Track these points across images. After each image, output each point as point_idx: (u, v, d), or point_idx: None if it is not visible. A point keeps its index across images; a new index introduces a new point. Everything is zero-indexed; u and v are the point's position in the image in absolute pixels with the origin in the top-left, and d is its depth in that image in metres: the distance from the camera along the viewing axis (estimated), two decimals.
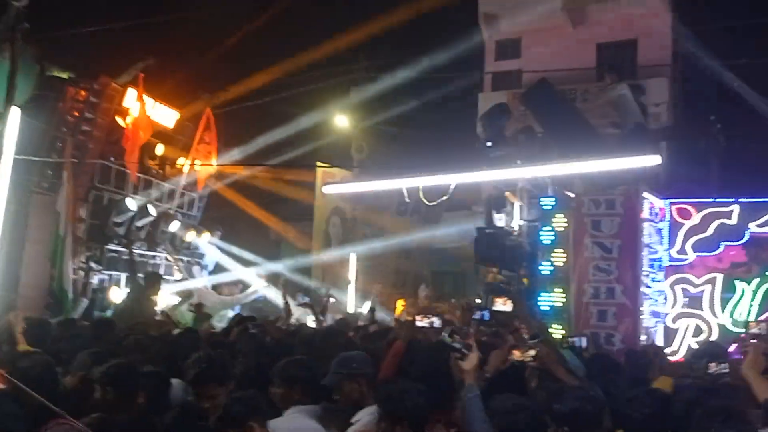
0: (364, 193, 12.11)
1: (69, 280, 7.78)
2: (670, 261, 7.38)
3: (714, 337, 6.91)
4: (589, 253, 6.65)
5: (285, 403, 2.92)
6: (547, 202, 7.13)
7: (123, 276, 8.92)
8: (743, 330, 6.52)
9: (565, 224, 6.93)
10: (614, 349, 6.08)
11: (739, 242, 7.14)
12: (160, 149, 9.71)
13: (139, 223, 9.11)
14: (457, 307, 8.77)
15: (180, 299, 8.11)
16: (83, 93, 8.73)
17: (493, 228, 7.48)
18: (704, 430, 2.38)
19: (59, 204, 7.84)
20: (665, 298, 7.34)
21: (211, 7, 11.58)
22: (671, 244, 7.38)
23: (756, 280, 7.04)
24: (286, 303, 6.93)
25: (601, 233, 6.65)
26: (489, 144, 7.56)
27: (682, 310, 7.29)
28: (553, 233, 6.99)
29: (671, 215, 7.44)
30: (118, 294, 8.37)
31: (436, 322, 4.22)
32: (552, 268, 6.95)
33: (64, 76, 8.82)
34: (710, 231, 7.24)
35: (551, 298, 6.88)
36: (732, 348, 5.64)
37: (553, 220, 7.02)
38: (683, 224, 7.37)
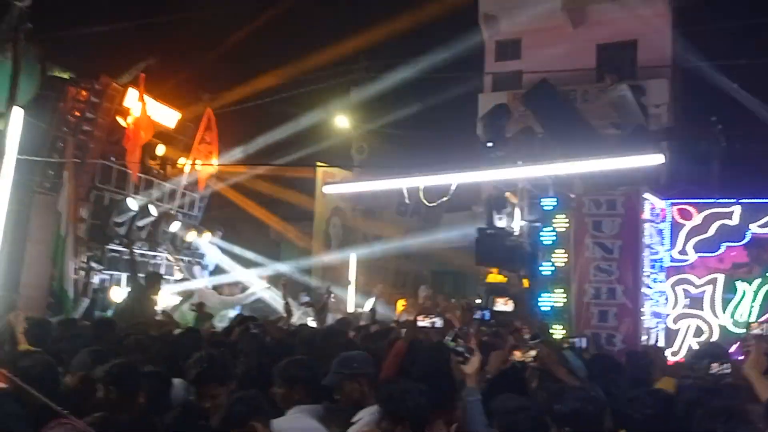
0: (365, 194, 12.12)
1: (70, 280, 7.79)
2: (671, 262, 7.37)
3: (715, 337, 6.91)
4: (590, 253, 6.65)
5: (286, 403, 2.92)
6: (548, 203, 7.12)
7: (124, 276, 8.93)
8: (744, 331, 6.52)
9: (566, 225, 6.92)
10: (615, 350, 6.08)
11: (740, 243, 7.13)
12: (161, 149, 9.72)
13: (140, 223, 9.12)
14: (456, 307, 8.76)
15: (181, 299, 8.12)
16: (84, 93, 8.73)
17: (494, 229, 7.48)
18: (707, 431, 2.38)
19: (60, 204, 7.85)
20: (666, 299, 7.34)
21: (213, 7, 11.59)
22: (672, 244, 7.38)
23: (757, 281, 7.03)
24: (287, 303, 6.93)
25: (602, 234, 6.65)
26: (489, 144, 7.56)
27: (683, 311, 7.29)
28: (554, 234, 6.99)
29: (672, 216, 7.43)
30: (118, 294, 8.37)
31: (438, 322, 4.23)
32: (553, 268, 6.95)
33: (65, 76, 8.82)
34: (711, 232, 7.23)
35: (552, 299, 6.88)
36: (733, 348, 5.64)
37: (554, 220, 7.02)
38: (684, 225, 7.37)
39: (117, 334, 4.70)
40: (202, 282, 9.75)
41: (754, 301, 7.00)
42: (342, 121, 14.59)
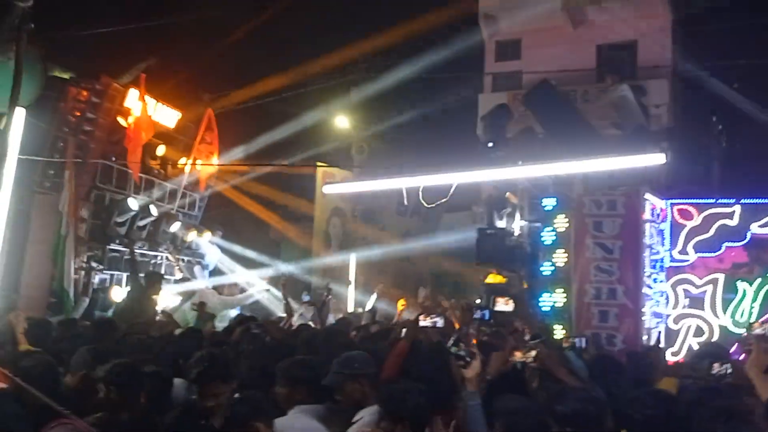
0: (364, 194, 12.12)
1: (70, 280, 7.80)
2: (671, 262, 7.37)
3: (715, 338, 6.91)
4: (590, 253, 6.65)
5: (288, 402, 2.92)
6: (549, 203, 7.12)
7: (124, 276, 8.93)
8: (744, 331, 6.52)
9: (567, 225, 6.92)
10: (615, 350, 6.08)
11: (741, 243, 7.13)
12: (161, 150, 9.73)
13: (140, 223, 9.13)
14: (456, 307, 8.76)
15: (181, 299, 8.12)
16: (85, 93, 8.75)
17: (495, 229, 7.49)
18: (708, 431, 2.38)
19: (61, 204, 7.86)
20: (667, 299, 7.34)
21: (213, 8, 11.59)
22: (673, 244, 7.38)
23: (757, 281, 7.03)
24: (288, 303, 6.93)
25: (602, 234, 6.65)
26: (490, 144, 7.56)
27: (683, 311, 7.29)
28: (554, 234, 6.99)
29: (672, 216, 7.44)
30: (119, 293, 8.38)
31: (439, 322, 4.23)
32: (553, 268, 6.95)
33: (66, 76, 8.83)
34: (712, 232, 7.23)
35: (552, 299, 6.88)
36: (733, 348, 5.64)
37: (555, 220, 7.02)
38: (685, 225, 7.37)
39: (117, 334, 4.70)
40: (202, 283, 9.76)
41: (754, 301, 7.00)
42: (342, 121, 14.60)
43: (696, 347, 6.65)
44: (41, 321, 4.99)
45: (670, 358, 6.54)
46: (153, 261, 9.86)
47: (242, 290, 10.08)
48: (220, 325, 7.30)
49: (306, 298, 9.42)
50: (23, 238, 7.53)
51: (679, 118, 14.46)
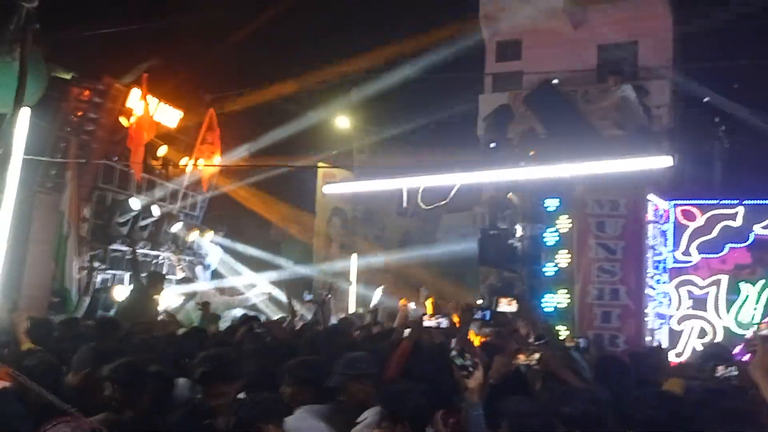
0: (365, 194, 12.11)
1: (72, 280, 7.80)
2: (674, 263, 7.36)
3: (719, 339, 6.89)
4: (593, 254, 6.64)
5: (294, 402, 2.92)
6: (551, 204, 7.11)
7: (126, 275, 8.94)
8: (748, 332, 6.50)
9: (569, 225, 6.91)
10: (618, 351, 6.06)
11: (744, 244, 7.12)
12: (162, 150, 9.73)
13: (142, 223, 9.13)
14: (456, 307, 8.74)
15: (183, 299, 8.12)
16: (87, 93, 8.75)
17: (497, 229, 7.47)
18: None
19: (63, 204, 7.86)
20: (670, 300, 7.33)
21: (215, 8, 11.60)
22: (675, 245, 7.37)
23: (761, 282, 7.03)
24: (290, 303, 6.92)
25: (605, 234, 6.64)
26: (492, 145, 7.55)
27: (686, 312, 7.28)
28: (557, 234, 6.98)
29: (675, 217, 7.43)
30: (121, 293, 8.38)
31: (444, 322, 4.22)
32: (556, 269, 6.94)
33: (68, 76, 8.83)
34: (715, 233, 7.22)
35: (555, 300, 6.87)
36: (737, 350, 5.62)
37: (557, 221, 7.01)
38: (688, 226, 7.36)
39: (120, 334, 4.69)
40: (205, 285, 9.77)
41: (757, 302, 6.99)
42: (342, 121, 14.59)
43: (699, 348, 6.64)
44: (43, 320, 4.99)
45: (673, 359, 6.52)
46: (155, 261, 9.86)
47: (240, 293, 10.10)
48: (222, 325, 7.29)
49: (307, 297, 9.41)
50: (25, 237, 7.52)
51: (681, 118, 14.45)
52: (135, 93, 8.95)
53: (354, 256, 12.41)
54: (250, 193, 12.38)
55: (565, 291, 6.83)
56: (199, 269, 10.50)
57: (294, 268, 11.77)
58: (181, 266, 9.87)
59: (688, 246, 7.33)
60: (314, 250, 13.43)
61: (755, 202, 7.20)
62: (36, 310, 6.52)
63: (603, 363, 3.95)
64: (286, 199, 13.46)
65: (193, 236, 10.22)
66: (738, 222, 7.15)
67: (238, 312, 8.54)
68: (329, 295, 8.21)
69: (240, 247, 11.30)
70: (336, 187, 11.72)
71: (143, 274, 8.06)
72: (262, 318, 8.12)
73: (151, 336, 4.61)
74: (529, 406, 2.54)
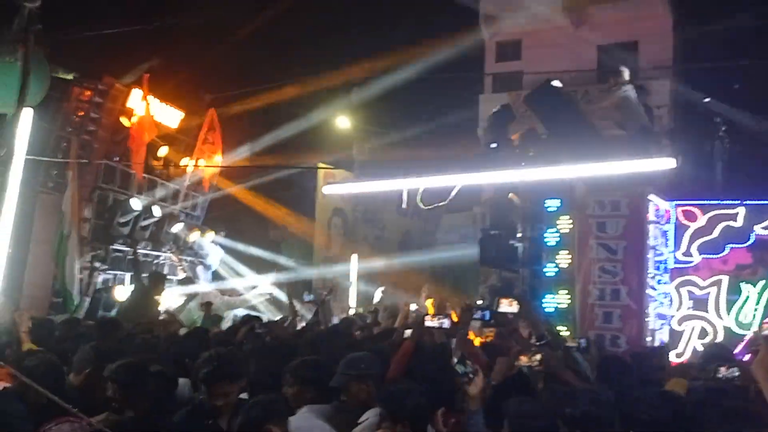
0: (365, 194, 12.10)
1: (73, 280, 7.80)
2: (675, 263, 7.36)
3: (719, 339, 6.89)
4: (594, 254, 6.65)
5: (297, 402, 2.92)
6: (552, 204, 7.11)
7: (127, 275, 8.94)
8: (749, 332, 6.50)
9: (570, 226, 6.91)
10: (619, 351, 6.07)
11: (745, 244, 7.12)
12: (163, 150, 9.73)
13: (143, 223, 9.14)
14: (457, 307, 8.74)
15: (185, 299, 8.13)
16: (88, 93, 8.75)
17: (498, 230, 7.46)
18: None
19: (64, 204, 7.86)
20: (671, 300, 7.33)
21: (216, 8, 11.60)
22: (676, 246, 7.37)
23: (761, 283, 7.02)
24: (291, 304, 6.92)
25: (606, 235, 6.64)
26: (493, 145, 7.55)
27: (687, 312, 7.27)
28: (557, 235, 6.98)
29: (677, 217, 7.43)
30: (122, 293, 8.39)
31: (446, 322, 4.22)
32: (557, 269, 6.94)
33: (69, 76, 8.84)
34: (716, 233, 7.22)
35: (556, 300, 6.87)
36: (738, 349, 5.62)
37: (558, 221, 7.01)
38: (689, 226, 7.36)
39: (121, 334, 4.70)
40: (206, 286, 9.78)
41: (758, 302, 6.98)
42: (343, 122, 14.60)
43: (700, 349, 6.63)
44: (44, 320, 5.00)
45: (674, 359, 6.52)
46: (156, 261, 9.87)
47: (240, 294, 10.10)
48: (223, 325, 7.30)
49: (308, 297, 9.41)
50: (26, 238, 7.53)
51: (681, 119, 14.45)
52: (136, 93, 8.96)
53: (354, 256, 12.41)
54: (250, 193, 12.39)
55: (566, 291, 6.83)
56: (200, 269, 10.50)
57: (294, 268, 11.77)
58: (182, 266, 9.88)
59: (689, 246, 7.33)
60: (314, 250, 13.43)
61: (756, 202, 7.19)
62: (37, 310, 6.53)
63: (605, 363, 3.95)
64: (286, 199, 13.46)
65: (194, 236, 10.22)
66: (739, 222, 7.14)
67: (239, 312, 8.54)
68: (329, 296, 8.21)
69: (241, 247, 11.30)
70: (336, 187, 11.72)
71: (144, 275, 8.06)
72: (264, 318, 8.15)
73: (153, 336, 4.62)
74: (531, 406, 2.54)
